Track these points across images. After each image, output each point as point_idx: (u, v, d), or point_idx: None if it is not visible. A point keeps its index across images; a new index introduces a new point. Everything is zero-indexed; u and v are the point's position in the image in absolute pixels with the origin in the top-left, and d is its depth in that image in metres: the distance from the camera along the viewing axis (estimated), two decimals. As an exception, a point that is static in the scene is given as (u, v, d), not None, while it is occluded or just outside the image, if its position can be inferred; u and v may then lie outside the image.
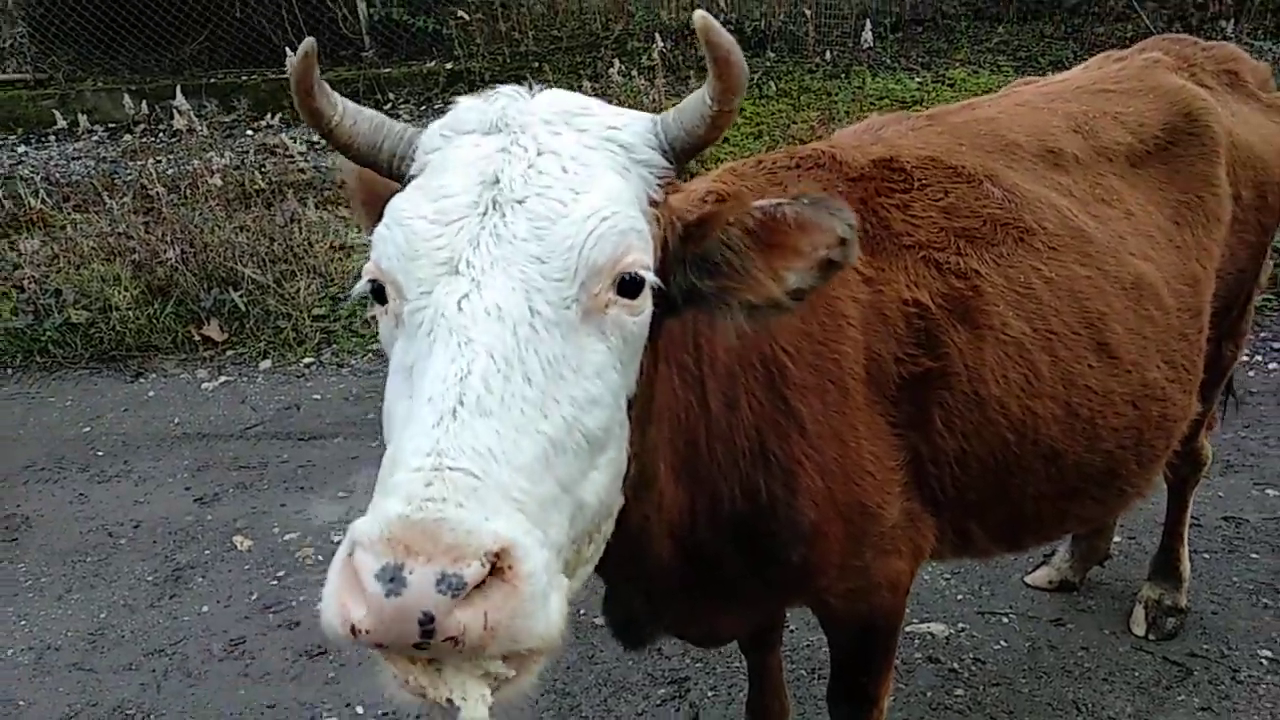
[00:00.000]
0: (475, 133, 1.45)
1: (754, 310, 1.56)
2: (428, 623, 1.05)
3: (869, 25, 9.04)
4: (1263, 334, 5.16)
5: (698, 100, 1.46)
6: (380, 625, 1.06)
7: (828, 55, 9.38)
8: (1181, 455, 2.81)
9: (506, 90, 1.51)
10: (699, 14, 1.39)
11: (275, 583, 3.97)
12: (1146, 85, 2.61)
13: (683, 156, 1.51)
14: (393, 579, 1.05)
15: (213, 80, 10.20)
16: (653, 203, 1.48)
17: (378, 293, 1.42)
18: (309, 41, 1.44)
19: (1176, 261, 2.40)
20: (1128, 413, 2.30)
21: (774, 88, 9.33)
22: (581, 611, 3.61)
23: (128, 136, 9.05)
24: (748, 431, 1.91)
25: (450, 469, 1.12)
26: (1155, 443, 2.39)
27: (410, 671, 1.15)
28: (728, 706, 3.16)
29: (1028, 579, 3.60)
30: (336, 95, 1.51)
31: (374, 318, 1.50)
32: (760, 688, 2.85)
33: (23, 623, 3.85)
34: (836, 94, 8.98)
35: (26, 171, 8.70)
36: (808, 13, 9.65)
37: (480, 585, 1.08)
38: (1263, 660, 3.17)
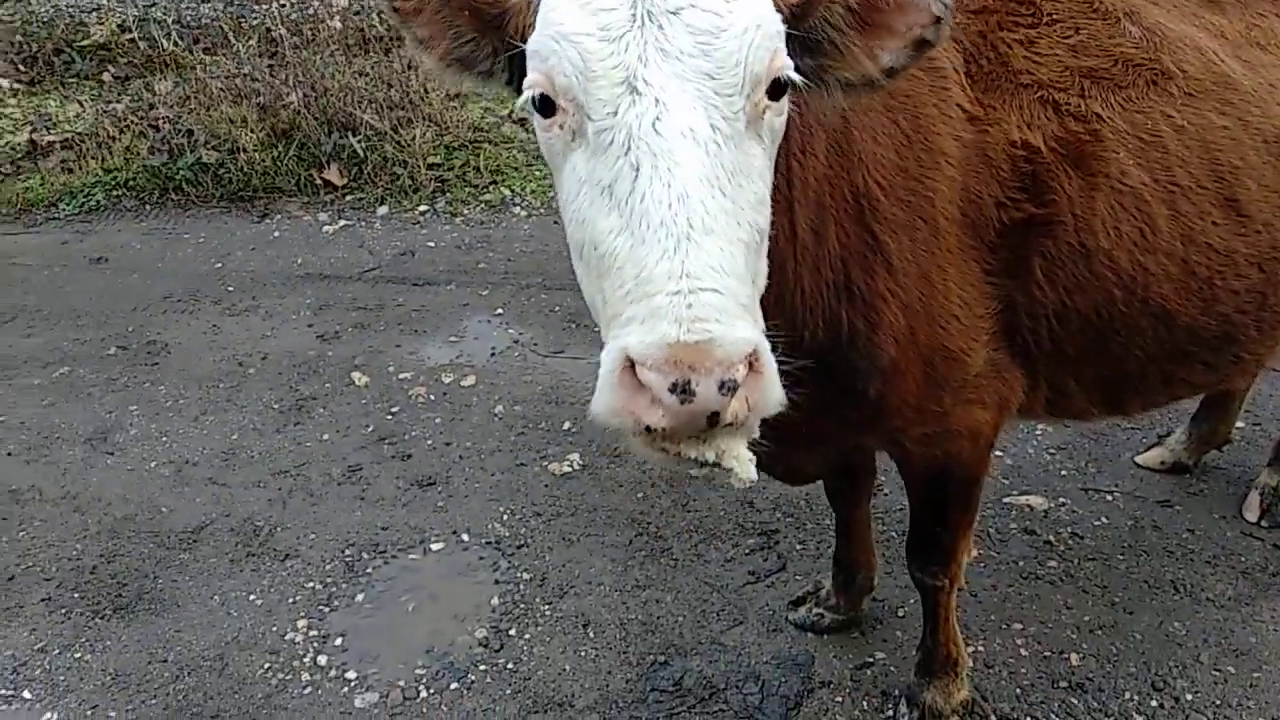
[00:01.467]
0: None
1: (850, 87, 1.64)
2: (713, 416, 1.30)
3: None
4: None
5: None
6: (677, 424, 1.30)
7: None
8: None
9: None
10: None
11: (389, 418, 4.18)
12: (1333, -84, 2.32)
13: None
14: (684, 391, 1.27)
15: (335, -79, 10.11)
16: None
17: (544, 104, 1.48)
18: None
19: (1340, 117, 2.19)
20: (1252, 275, 2.17)
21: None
22: (677, 462, 3.70)
23: (254, -22, 9.13)
24: (833, 263, 1.90)
25: (701, 289, 1.31)
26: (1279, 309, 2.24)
27: (690, 447, 1.38)
28: (815, 560, 3.23)
29: (1139, 459, 3.49)
30: None
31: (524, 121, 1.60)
32: (847, 540, 2.89)
33: (164, 439, 4.17)
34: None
35: (159, 14, 8.90)
36: None
37: None
38: (1385, 555, 3.03)
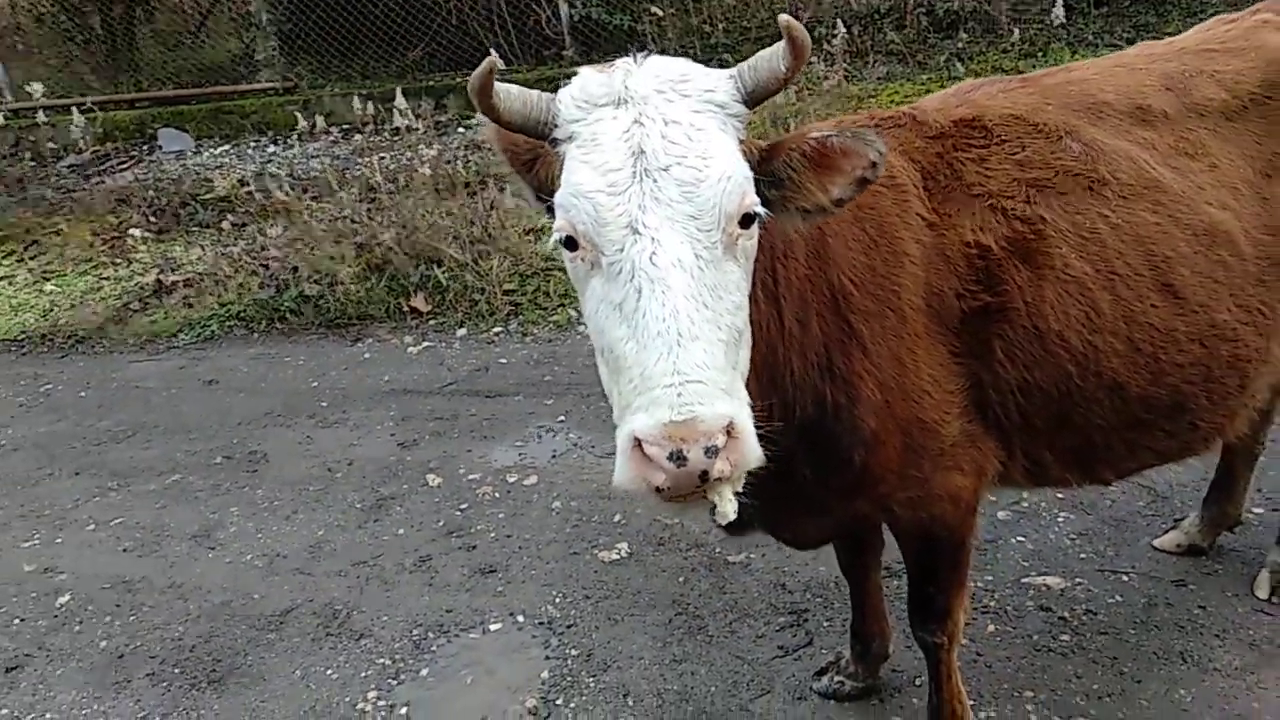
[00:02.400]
0: (608, 105, 1.89)
1: (807, 213, 2.02)
2: (703, 475, 1.66)
3: (1061, 1, 8.77)
4: None
5: (771, 63, 1.90)
6: (676, 483, 1.67)
7: (1016, 34, 9.19)
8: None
9: (620, 63, 1.96)
10: (784, 17, 1.84)
11: (459, 513, 4.58)
12: (1250, 44, 2.66)
13: (755, 103, 1.95)
14: (679, 458, 1.64)
15: (431, 83, 11.23)
16: (740, 141, 1.92)
17: (569, 242, 1.90)
18: (492, 59, 1.90)
19: (1261, 212, 2.48)
20: (1194, 350, 2.42)
21: (963, 69, 9.23)
22: (717, 550, 3.99)
23: (358, 137, 10.18)
24: (816, 348, 2.24)
25: (689, 382, 1.68)
26: (1226, 381, 2.48)
27: (690, 499, 1.74)
28: (841, 635, 3.42)
29: (1156, 542, 3.62)
30: (498, 85, 1.95)
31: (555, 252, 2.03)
32: (861, 611, 3.11)
33: (259, 535, 4.65)
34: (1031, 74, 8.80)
35: (274, 168, 9.98)
36: (1001, -10, 9.48)
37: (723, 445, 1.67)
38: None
